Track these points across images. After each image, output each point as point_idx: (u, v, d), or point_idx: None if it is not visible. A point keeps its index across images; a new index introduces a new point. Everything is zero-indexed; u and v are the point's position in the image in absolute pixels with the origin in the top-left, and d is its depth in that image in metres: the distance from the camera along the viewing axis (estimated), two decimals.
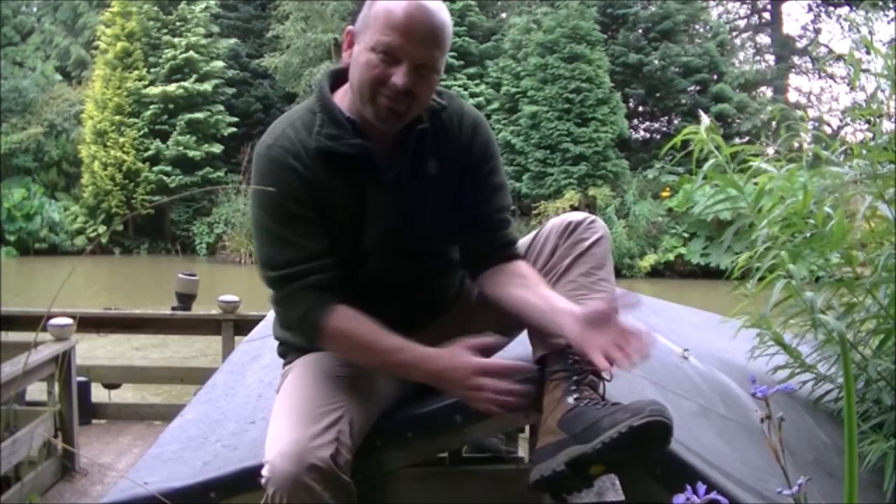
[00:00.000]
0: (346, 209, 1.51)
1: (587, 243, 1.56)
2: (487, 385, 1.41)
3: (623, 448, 1.26)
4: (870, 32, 2.19)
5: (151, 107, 24.31)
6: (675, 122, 23.37)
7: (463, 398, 1.45)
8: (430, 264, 1.62)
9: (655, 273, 19.46)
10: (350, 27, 1.53)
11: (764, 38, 30.75)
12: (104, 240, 23.03)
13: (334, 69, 1.62)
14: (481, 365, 1.43)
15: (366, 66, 1.45)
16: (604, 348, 1.34)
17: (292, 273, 1.47)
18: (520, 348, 1.72)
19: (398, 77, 1.44)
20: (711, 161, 2.16)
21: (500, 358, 1.73)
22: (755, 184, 2.17)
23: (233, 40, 26.28)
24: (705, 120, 2.21)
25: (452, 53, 22.74)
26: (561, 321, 1.41)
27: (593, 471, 1.34)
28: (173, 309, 5.73)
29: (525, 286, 1.52)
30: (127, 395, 6.22)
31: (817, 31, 29.99)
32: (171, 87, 24.25)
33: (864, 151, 2.05)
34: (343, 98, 1.55)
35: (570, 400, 1.37)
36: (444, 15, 1.48)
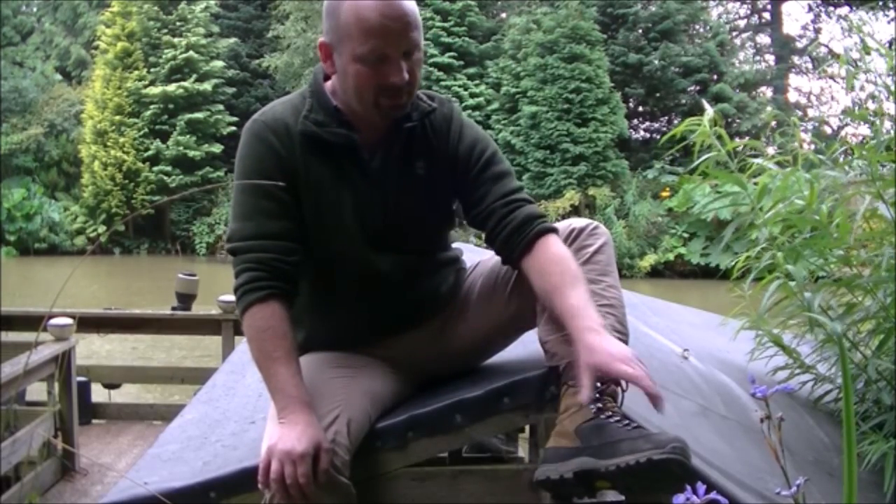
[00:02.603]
0: (325, 196, 1.51)
1: (591, 249, 1.55)
2: (290, 472, 1.31)
3: (636, 477, 1.26)
4: (865, 35, 2.16)
5: (151, 107, 24.33)
6: (675, 122, 23.36)
7: (265, 458, 1.35)
8: (412, 260, 1.60)
9: (655, 273, 19.46)
10: (322, 40, 1.50)
11: (764, 38, 30.76)
12: (104, 240, 23.03)
13: None
14: (306, 455, 1.32)
15: (356, 77, 1.45)
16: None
17: (245, 246, 1.47)
18: (520, 349, 1.72)
19: (395, 76, 1.44)
20: (712, 154, 2.07)
21: (500, 359, 1.74)
22: (755, 183, 2.15)
23: (233, 40, 26.31)
24: (709, 111, 2.13)
25: (452, 54, 22.80)
26: (577, 349, 1.36)
27: (599, 485, 1.33)
28: (173, 309, 5.73)
29: (552, 288, 1.45)
30: (124, 397, 6.22)
31: (817, 31, 30.03)
32: (171, 87, 24.27)
33: (864, 152, 2.04)
34: (335, 88, 1.55)
35: (592, 408, 1.36)
36: None
